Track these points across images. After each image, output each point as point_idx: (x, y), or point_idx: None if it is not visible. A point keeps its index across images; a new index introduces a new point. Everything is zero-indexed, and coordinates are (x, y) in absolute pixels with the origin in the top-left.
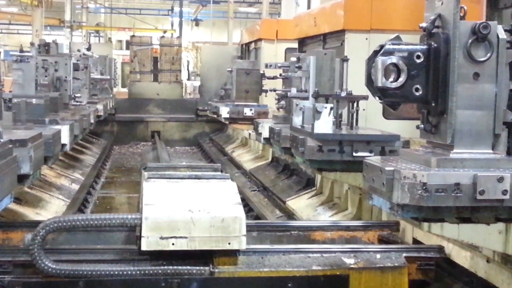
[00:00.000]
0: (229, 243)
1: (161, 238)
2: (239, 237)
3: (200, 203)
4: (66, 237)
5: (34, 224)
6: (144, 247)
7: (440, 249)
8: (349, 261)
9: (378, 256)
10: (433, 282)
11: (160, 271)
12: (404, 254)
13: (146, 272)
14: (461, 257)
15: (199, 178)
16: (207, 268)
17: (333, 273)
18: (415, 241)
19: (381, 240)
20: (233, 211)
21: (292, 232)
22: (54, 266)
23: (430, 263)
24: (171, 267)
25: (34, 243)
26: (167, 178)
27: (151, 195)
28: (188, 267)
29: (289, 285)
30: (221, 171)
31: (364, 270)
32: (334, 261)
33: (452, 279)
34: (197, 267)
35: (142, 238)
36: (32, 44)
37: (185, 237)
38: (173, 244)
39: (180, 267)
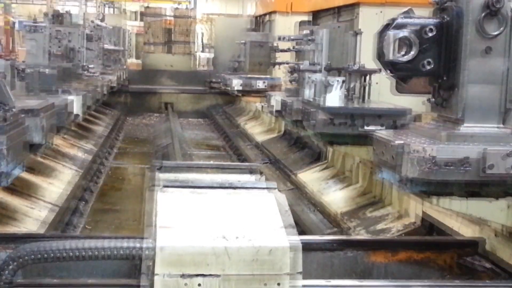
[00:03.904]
0: (278, 284)
1: (183, 276)
2: (293, 275)
3: (238, 226)
4: None
5: (10, 239)
6: None
7: None
8: None
9: None
10: None
11: None
12: None
13: None
14: None
15: (234, 187)
16: None
17: None
18: (506, 264)
19: (461, 265)
20: (284, 239)
21: (348, 252)
22: None
23: None
24: None
25: None
26: (190, 187)
27: (168, 213)
28: None
29: None
30: (261, 173)
31: None
32: None
33: None
34: None
35: (156, 277)
36: (45, 14)
37: (217, 276)
38: (199, 285)
39: None
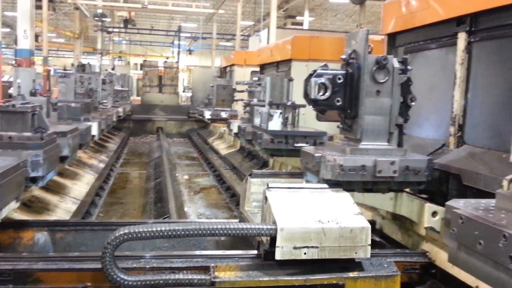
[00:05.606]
0: (355, 253)
1: (295, 248)
2: (365, 246)
3: (326, 214)
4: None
5: (44, 224)
6: (278, 256)
7: (424, 254)
8: (345, 269)
9: (371, 263)
10: (417, 285)
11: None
12: (393, 259)
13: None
14: (444, 261)
15: (314, 188)
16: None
17: (330, 282)
18: (390, 239)
19: None
20: (359, 222)
21: None
22: (126, 277)
23: (416, 267)
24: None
25: (106, 252)
26: (286, 188)
27: (279, 205)
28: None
29: None
30: None
31: (359, 279)
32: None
33: (435, 282)
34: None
35: (277, 248)
36: (72, 65)
37: (316, 247)
38: (305, 253)
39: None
